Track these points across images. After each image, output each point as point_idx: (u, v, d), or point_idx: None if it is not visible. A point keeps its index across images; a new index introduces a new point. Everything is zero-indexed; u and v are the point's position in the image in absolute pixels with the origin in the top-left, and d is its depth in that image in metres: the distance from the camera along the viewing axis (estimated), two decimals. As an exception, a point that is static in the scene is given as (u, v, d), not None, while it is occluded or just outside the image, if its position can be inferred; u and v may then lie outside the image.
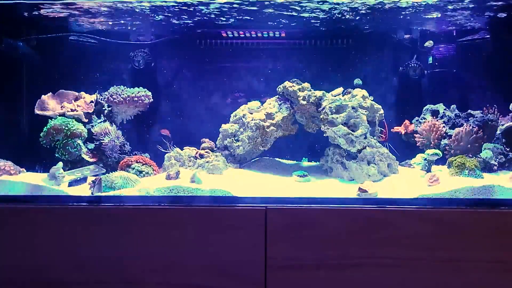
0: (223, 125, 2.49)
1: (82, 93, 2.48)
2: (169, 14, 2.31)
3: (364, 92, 2.33)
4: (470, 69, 2.57)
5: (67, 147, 2.25)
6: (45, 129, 2.28)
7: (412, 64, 2.54)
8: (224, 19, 2.34)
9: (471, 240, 1.59)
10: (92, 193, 1.84)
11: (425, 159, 2.19)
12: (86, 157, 2.30)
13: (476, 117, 2.38)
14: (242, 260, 1.62)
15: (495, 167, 2.16)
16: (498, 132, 2.29)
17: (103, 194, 1.86)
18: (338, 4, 2.14)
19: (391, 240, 1.60)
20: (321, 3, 2.11)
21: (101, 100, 2.46)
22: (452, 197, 1.77)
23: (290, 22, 2.40)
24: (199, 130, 2.64)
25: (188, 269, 1.63)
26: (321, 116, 2.29)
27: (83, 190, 1.91)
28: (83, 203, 1.74)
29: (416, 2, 2.11)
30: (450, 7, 2.16)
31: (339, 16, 2.30)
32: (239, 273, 1.62)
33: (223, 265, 1.62)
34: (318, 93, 2.35)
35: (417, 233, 1.59)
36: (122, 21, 2.43)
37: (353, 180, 2.18)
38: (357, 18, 2.33)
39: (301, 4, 2.14)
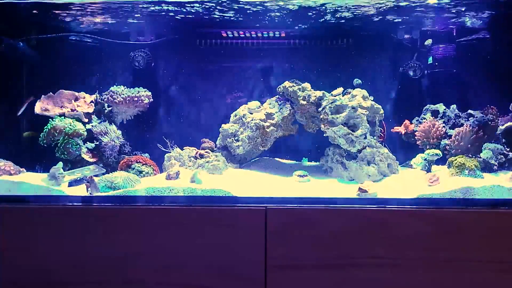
0: (223, 125, 2.49)
1: (82, 93, 2.48)
2: (169, 13, 2.31)
3: (364, 92, 2.32)
4: (470, 69, 2.57)
5: (67, 147, 2.25)
6: (45, 129, 2.28)
7: (412, 64, 2.54)
8: (224, 15, 2.34)
9: (471, 240, 1.59)
10: (90, 194, 1.84)
11: (425, 159, 2.19)
12: (86, 157, 2.30)
13: (476, 117, 2.38)
14: (242, 260, 1.62)
15: (495, 167, 2.16)
16: (498, 132, 2.29)
17: (103, 194, 1.86)
18: (338, 4, 2.14)
19: (391, 240, 1.60)
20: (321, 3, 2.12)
21: (101, 100, 2.46)
22: (452, 197, 1.77)
23: (290, 22, 2.40)
24: (199, 130, 2.64)
25: (188, 269, 1.63)
26: (321, 116, 2.29)
27: (83, 190, 1.91)
28: (83, 203, 1.74)
29: (416, 2, 2.11)
30: (450, 7, 2.16)
31: (339, 16, 2.30)
32: (239, 273, 1.62)
33: (223, 265, 1.62)
34: (318, 93, 2.35)
35: (417, 233, 1.59)
36: (122, 21, 2.43)
37: (353, 180, 2.18)
38: (357, 18, 2.33)
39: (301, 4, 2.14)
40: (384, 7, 2.18)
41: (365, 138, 2.23)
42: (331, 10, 2.22)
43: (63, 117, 2.34)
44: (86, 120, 2.39)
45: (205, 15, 2.30)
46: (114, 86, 2.47)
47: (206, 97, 2.68)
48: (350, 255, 1.60)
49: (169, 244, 1.63)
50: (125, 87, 2.47)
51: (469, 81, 2.59)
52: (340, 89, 2.37)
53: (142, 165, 2.25)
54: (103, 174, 2.12)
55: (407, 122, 2.57)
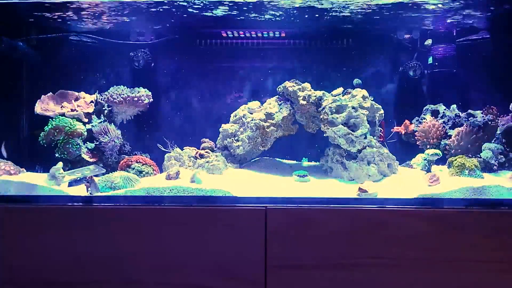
0: (223, 125, 2.49)
1: (82, 93, 2.48)
2: (169, 13, 2.31)
3: (364, 92, 2.33)
4: (470, 69, 2.57)
5: (67, 147, 2.25)
6: (45, 128, 2.28)
7: (412, 64, 2.54)
8: (224, 14, 2.34)
9: (471, 240, 1.59)
10: (90, 194, 1.84)
11: (425, 159, 2.19)
12: (86, 157, 2.30)
13: (476, 117, 2.38)
14: (242, 260, 1.62)
15: (495, 167, 2.16)
16: (498, 132, 2.29)
17: (103, 194, 1.86)
18: (337, 3, 2.14)
19: (391, 240, 1.60)
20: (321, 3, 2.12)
21: (101, 100, 2.46)
22: (452, 197, 1.77)
23: (290, 22, 2.40)
24: (199, 130, 2.64)
25: (188, 269, 1.63)
26: (321, 116, 2.29)
27: (83, 190, 1.91)
28: (83, 203, 1.74)
29: (417, 2, 2.11)
30: (448, 6, 2.16)
31: (339, 15, 2.30)
32: (239, 273, 1.62)
33: (223, 265, 1.62)
34: (318, 93, 2.35)
35: (417, 233, 1.59)
36: (122, 20, 2.43)
37: (353, 180, 2.18)
38: (357, 18, 2.33)
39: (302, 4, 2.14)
40: (384, 7, 2.18)
41: (365, 138, 2.23)
42: (331, 9, 2.22)
43: (63, 117, 2.34)
44: (86, 120, 2.39)
45: (205, 14, 2.30)
46: (114, 86, 2.47)
47: (206, 97, 2.69)
48: (350, 255, 1.60)
49: (169, 244, 1.63)
50: (125, 87, 2.47)
51: (469, 81, 2.60)
52: (340, 89, 2.37)
53: (142, 165, 2.25)
54: (103, 174, 2.12)
55: (407, 122, 2.57)
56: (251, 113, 2.44)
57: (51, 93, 2.44)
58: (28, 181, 1.98)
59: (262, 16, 2.31)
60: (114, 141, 2.34)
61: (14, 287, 1.66)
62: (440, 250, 1.59)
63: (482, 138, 2.25)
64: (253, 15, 2.29)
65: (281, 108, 2.43)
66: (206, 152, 2.39)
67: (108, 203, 1.74)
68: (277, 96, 2.49)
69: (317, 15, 2.29)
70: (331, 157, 2.29)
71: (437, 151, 2.19)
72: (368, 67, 2.61)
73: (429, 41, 2.52)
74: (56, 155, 2.26)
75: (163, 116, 2.66)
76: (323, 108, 2.29)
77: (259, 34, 2.56)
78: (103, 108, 2.48)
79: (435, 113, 2.52)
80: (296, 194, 1.92)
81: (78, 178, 2.03)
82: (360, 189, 1.85)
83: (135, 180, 1.99)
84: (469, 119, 2.41)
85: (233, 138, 2.44)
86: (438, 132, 2.39)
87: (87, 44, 2.59)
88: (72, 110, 2.39)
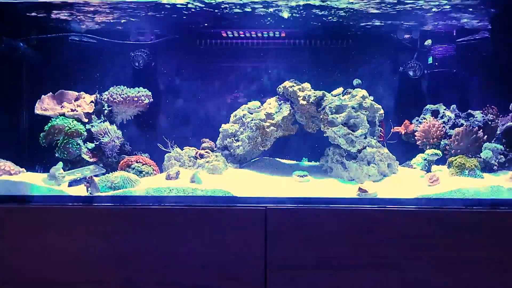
0: (223, 125, 2.49)
1: (82, 93, 2.48)
2: (169, 13, 2.31)
3: (364, 92, 2.33)
4: (470, 69, 2.57)
5: (67, 147, 2.25)
6: (45, 128, 2.28)
7: (412, 64, 2.54)
8: (223, 14, 2.34)
9: (471, 240, 1.59)
10: (90, 194, 1.84)
11: (425, 159, 2.19)
12: (86, 157, 2.30)
13: (476, 117, 2.39)
14: (242, 260, 1.62)
15: (495, 167, 2.16)
16: (498, 132, 2.29)
17: (103, 194, 1.86)
18: (338, 4, 2.14)
19: (391, 240, 1.60)
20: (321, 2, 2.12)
21: (101, 100, 2.46)
22: (452, 197, 1.77)
23: (290, 22, 2.40)
24: (199, 130, 2.64)
25: (187, 269, 1.63)
26: (321, 116, 2.29)
27: (83, 190, 1.91)
28: (83, 203, 1.74)
29: (416, 2, 2.11)
30: (450, 7, 2.16)
31: (339, 15, 2.30)
32: (239, 273, 1.62)
33: (223, 265, 1.62)
34: (318, 93, 2.35)
35: (417, 233, 1.59)
36: (122, 20, 2.43)
37: (353, 180, 2.18)
38: (357, 17, 2.33)
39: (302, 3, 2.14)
40: (385, 7, 2.18)
41: (365, 138, 2.23)
42: (331, 9, 2.22)
43: (63, 117, 2.34)
44: (86, 120, 2.39)
45: (205, 14, 2.30)
46: (114, 86, 2.47)
47: (206, 97, 2.69)
48: (350, 255, 1.60)
49: (169, 244, 1.63)
50: (125, 87, 2.47)
51: (469, 81, 2.60)
52: (340, 89, 2.37)
53: (142, 165, 2.25)
54: (103, 174, 2.12)
55: (407, 122, 2.57)
56: (251, 113, 2.44)
57: (51, 93, 2.44)
58: (28, 181, 1.98)
59: (262, 16, 2.31)
60: (114, 141, 2.34)
61: (14, 287, 1.66)
62: (440, 250, 1.59)
63: (482, 138, 2.25)
64: (253, 14, 2.28)
65: (281, 108, 2.43)
66: (206, 152, 2.39)
67: (108, 203, 1.74)
68: (277, 96, 2.49)
69: (318, 15, 2.29)
70: (331, 157, 2.30)
71: (437, 151, 2.19)
72: (368, 67, 2.61)
73: (429, 41, 2.52)
74: (56, 155, 2.26)
75: (163, 116, 2.66)
76: (323, 108, 2.29)
77: (259, 34, 2.56)
78: (103, 108, 2.48)
79: (435, 113, 2.53)
80: (296, 194, 1.92)
81: (78, 178, 2.03)
82: (360, 189, 1.85)
83: (135, 180, 1.99)
84: (469, 119, 2.41)
85: (233, 138, 2.44)
86: (438, 132, 2.39)
87: (87, 44, 2.59)
88: (72, 110, 2.39)
